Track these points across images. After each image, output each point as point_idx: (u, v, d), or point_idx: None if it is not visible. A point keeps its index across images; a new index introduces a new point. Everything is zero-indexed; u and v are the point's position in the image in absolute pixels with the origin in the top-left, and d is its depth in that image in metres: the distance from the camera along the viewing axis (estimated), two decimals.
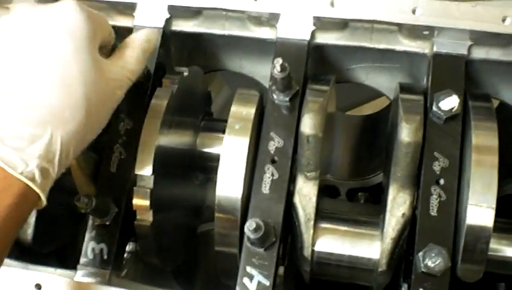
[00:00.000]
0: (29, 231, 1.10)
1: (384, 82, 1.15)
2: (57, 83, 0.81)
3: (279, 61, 0.92)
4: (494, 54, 1.02)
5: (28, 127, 0.78)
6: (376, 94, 1.24)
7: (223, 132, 1.06)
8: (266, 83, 1.16)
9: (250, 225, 0.88)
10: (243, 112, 0.99)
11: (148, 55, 0.95)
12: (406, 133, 0.92)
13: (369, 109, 1.70)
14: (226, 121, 1.07)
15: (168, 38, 1.09)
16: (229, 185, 0.96)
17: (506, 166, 1.17)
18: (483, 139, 0.93)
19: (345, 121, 1.37)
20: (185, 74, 1.04)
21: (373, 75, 1.16)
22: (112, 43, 0.93)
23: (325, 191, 1.28)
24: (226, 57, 1.19)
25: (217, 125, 1.14)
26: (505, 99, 1.14)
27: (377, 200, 1.35)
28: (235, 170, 0.96)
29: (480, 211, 0.90)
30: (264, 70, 1.17)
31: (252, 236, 0.89)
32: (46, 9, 0.86)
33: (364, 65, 1.14)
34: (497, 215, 1.04)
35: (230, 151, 0.97)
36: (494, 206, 0.90)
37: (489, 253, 1.00)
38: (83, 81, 0.82)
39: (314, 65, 1.10)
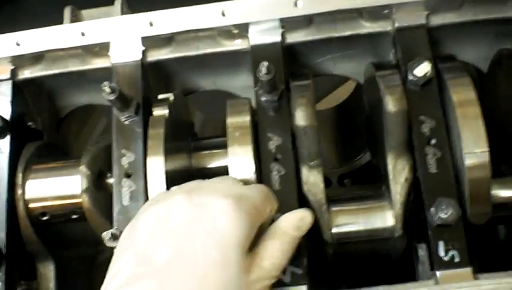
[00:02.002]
0: (50, 285, 1.12)
1: (351, 68, 1.23)
2: None
3: (264, 64, 0.98)
4: (450, 17, 1.11)
5: None
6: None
7: (215, 147, 1.12)
8: (242, 94, 1.22)
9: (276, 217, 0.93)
10: (238, 119, 1.04)
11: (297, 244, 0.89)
12: (392, 103, 1.00)
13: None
14: (214, 137, 1.14)
15: (146, 70, 1.13)
16: None
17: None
18: (462, 94, 1.01)
19: (319, 117, 1.44)
20: (171, 98, 1.08)
21: (340, 64, 1.23)
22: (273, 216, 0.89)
23: None
24: (199, 77, 1.24)
25: (207, 143, 1.19)
26: (462, 58, 1.23)
27: (363, 181, 1.42)
28: (247, 173, 1.00)
29: (476, 156, 0.97)
30: (238, 82, 1.23)
31: None
32: (201, 208, 0.82)
33: (330, 56, 1.21)
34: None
35: (238, 159, 1.01)
36: (487, 149, 0.97)
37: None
38: None
39: (286, 66, 1.17)
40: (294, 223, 0.89)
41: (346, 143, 1.37)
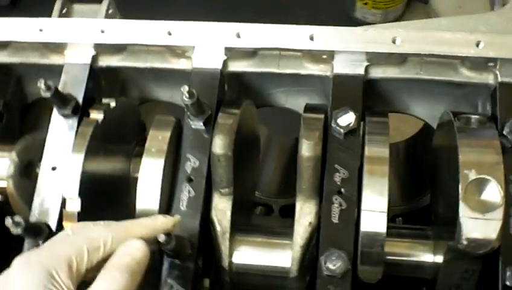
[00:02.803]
0: None
1: (303, 104, 1.24)
2: None
3: (185, 88, 1.01)
4: (391, 72, 1.11)
5: None
6: None
7: None
8: None
9: (160, 237, 0.96)
10: (159, 136, 1.08)
11: (140, 277, 0.88)
12: (306, 148, 1.01)
13: None
14: None
15: (96, 73, 1.18)
16: (147, 201, 1.04)
17: (423, 179, 1.26)
18: (375, 151, 1.02)
19: (280, 143, 1.46)
20: (112, 104, 1.13)
21: (292, 99, 1.25)
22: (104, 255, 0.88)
23: (256, 208, 1.37)
24: (157, 88, 1.28)
25: None
26: (415, 114, 1.23)
27: None
28: (152, 188, 1.04)
29: (373, 216, 0.98)
30: None
31: (165, 248, 0.97)
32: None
33: (282, 89, 1.23)
34: (418, 223, 1.12)
35: (148, 172, 1.06)
36: (385, 210, 0.97)
37: (403, 258, 1.09)
38: None
39: (237, 92, 1.20)
40: (128, 250, 0.89)
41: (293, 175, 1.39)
